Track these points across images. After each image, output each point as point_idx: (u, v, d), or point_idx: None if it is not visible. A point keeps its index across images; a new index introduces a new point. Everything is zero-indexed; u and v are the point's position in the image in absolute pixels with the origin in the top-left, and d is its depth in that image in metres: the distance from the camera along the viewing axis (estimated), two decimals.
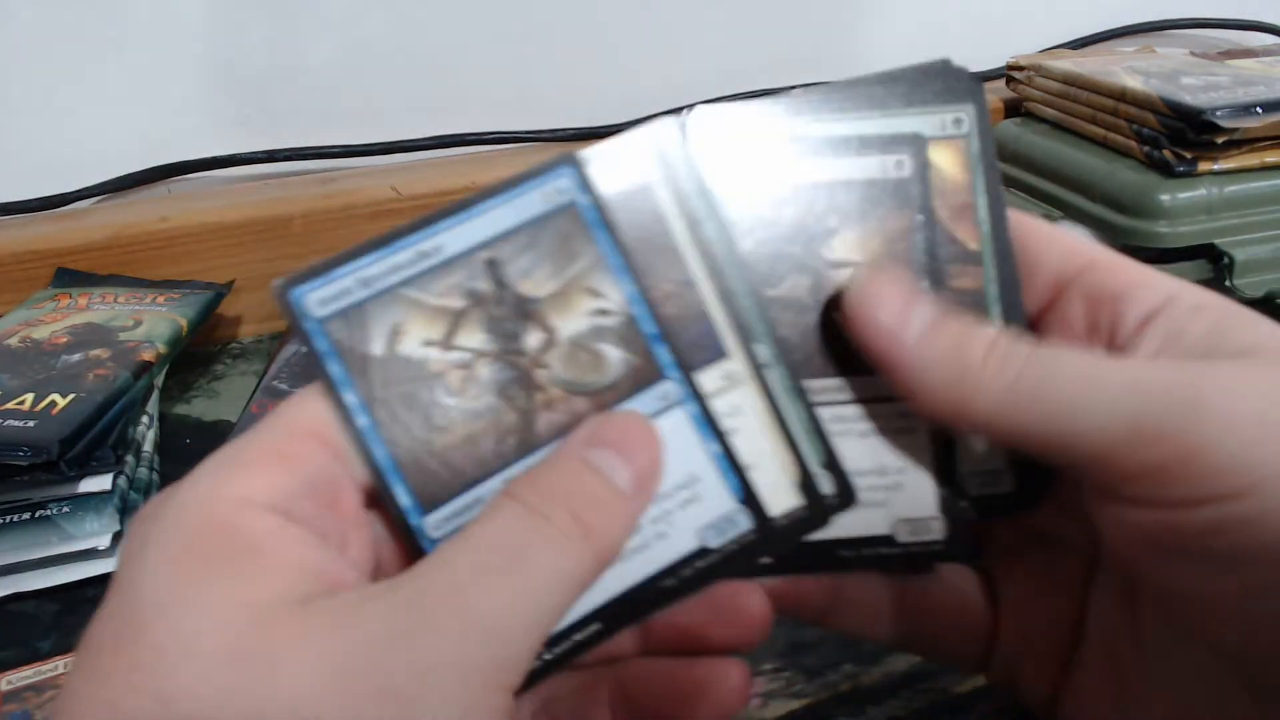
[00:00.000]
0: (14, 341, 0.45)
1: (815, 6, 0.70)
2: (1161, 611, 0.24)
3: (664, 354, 0.23)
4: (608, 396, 0.23)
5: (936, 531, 0.25)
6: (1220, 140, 0.48)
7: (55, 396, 0.39)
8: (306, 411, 0.21)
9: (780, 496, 0.24)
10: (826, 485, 0.24)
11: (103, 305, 0.50)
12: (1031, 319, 0.25)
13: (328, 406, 0.22)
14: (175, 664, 0.18)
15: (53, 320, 0.48)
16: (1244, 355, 0.21)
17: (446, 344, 0.22)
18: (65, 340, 0.45)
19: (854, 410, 0.25)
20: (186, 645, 0.18)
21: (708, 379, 0.24)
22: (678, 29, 0.69)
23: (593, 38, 0.68)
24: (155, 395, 0.46)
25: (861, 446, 0.25)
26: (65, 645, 0.35)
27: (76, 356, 0.44)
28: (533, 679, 0.21)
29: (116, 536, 0.39)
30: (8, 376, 0.41)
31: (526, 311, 0.23)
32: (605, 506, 0.21)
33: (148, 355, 0.45)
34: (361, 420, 0.22)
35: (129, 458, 0.41)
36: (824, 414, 0.25)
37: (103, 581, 0.39)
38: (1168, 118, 0.50)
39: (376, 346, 0.22)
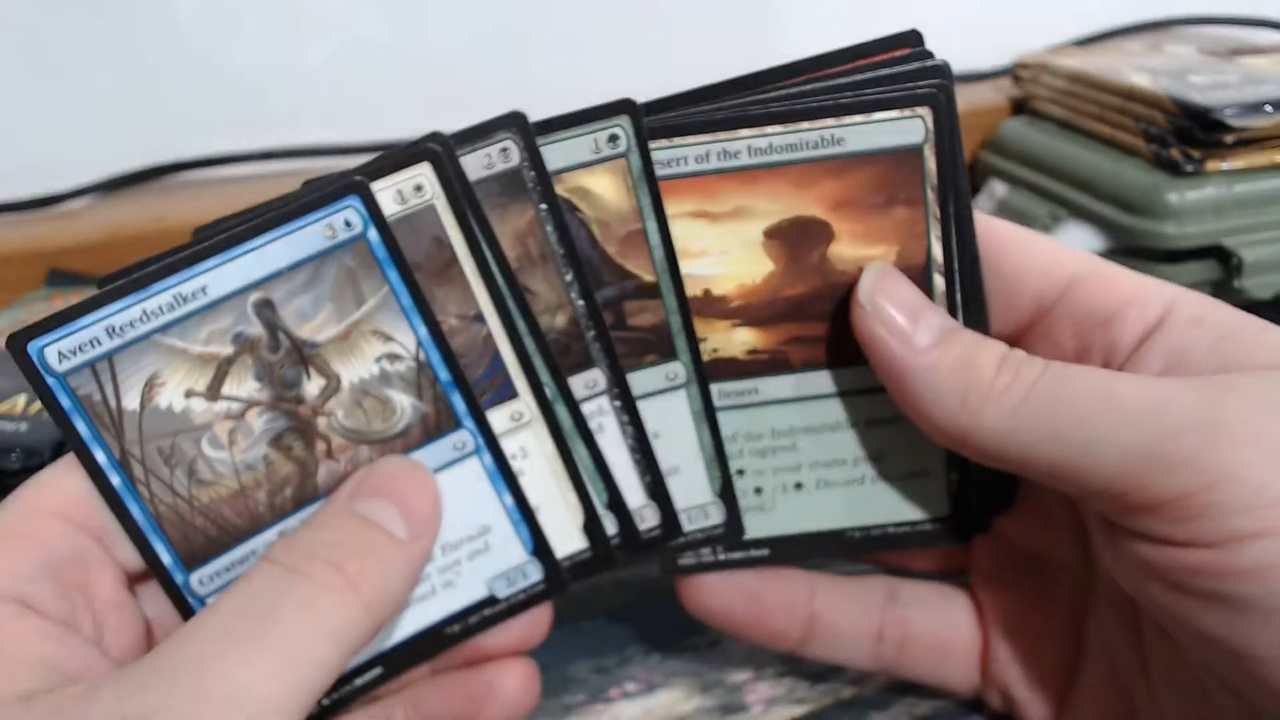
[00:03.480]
0: None
1: (819, 5, 0.69)
2: (1169, 643, 0.22)
3: (459, 401, 0.22)
4: (396, 444, 0.22)
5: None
6: (1229, 139, 0.48)
7: None
8: (52, 490, 0.20)
9: (566, 540, 0.24)
10: (611, 526, 0.24)
11: None
12: (1012, 342, 0.23)
13: (78, 482, 0.20)
14: None
15: None
16: (1261, 370, 0.19)
17: (213, 394, 0.21)
18: None
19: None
20: None
21: (496, 419, 0.23)
22: (678, 29, 0.69)
23: (593, 38, 0.68)
24: None
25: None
26: None
27: None
28: None
29: None
30: None
31: (305, 356, 0.21)
32: (376, 554, 0.20)
33: None
34: (115, 478, 0.20)
35: None
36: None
37: None
38: (1176, 116, 0.49)
39: (130, 400, 0.20)
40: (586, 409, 0.23)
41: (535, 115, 0.24)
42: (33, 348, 0.20)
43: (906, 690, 0.31)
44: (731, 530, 0.25)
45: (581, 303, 0.23)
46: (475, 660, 0.24)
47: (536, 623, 0.24)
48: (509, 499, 0.23)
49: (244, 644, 0.18)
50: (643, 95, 0.26)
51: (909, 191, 0.23)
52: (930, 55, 0.23)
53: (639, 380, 0.24)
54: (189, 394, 0.21)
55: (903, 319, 0.22)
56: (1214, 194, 0.48)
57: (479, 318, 0.22)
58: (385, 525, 0.20)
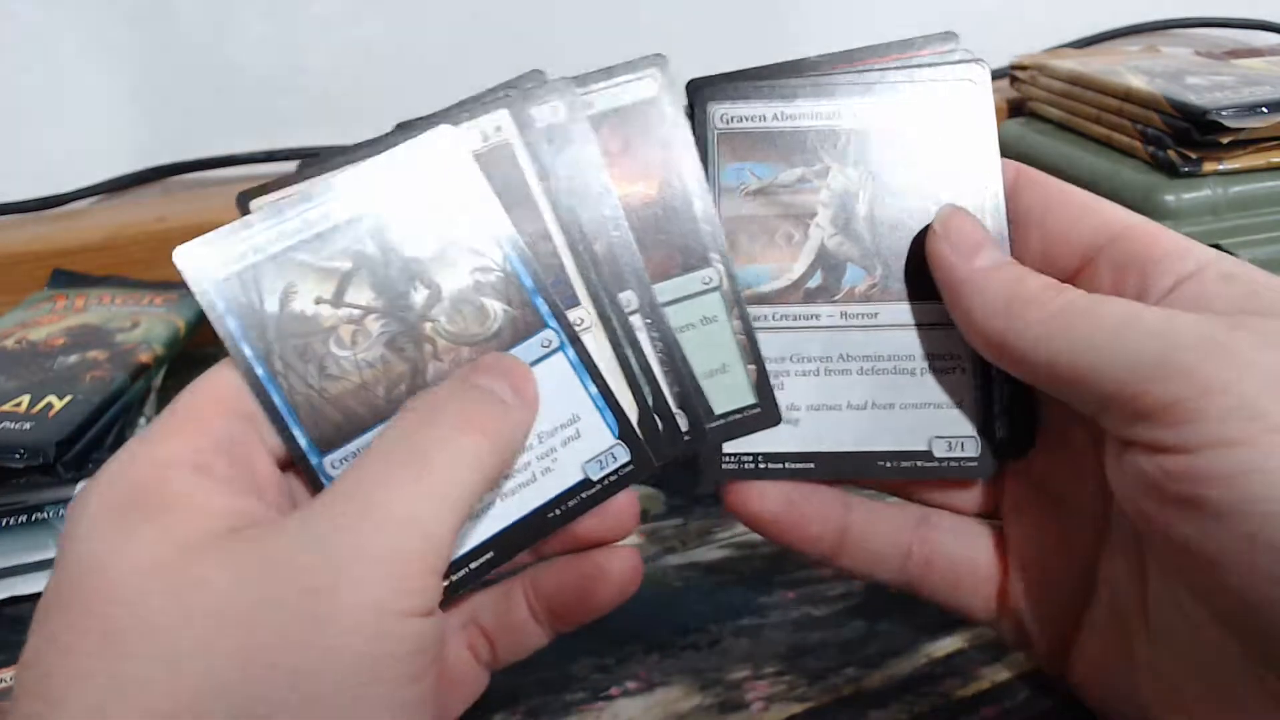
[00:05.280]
0: (10, 343, 0.45)
1: (818, 4, 0.70)
2: (1165, 569, 0.24)
3: (542, 305, 0.25)
4: (492, 345, 0.25)
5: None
6: (1225, 140, 0.48)
7: (52, 399, 0.39)
8: (210, 385, 0.24)
9: (629, 411, 0.27)
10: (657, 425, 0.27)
11: (100, 307, 0.50)
12: (1064, 283, 0.26)
13: (231, 378, 0.24)
14: (117, 607, 0.19)
15: (49, 322, 0.47)
16: (1274, 314, 0.22)
17: (337, 301, 0.24)
18: (62, 342, 0.45)
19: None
20: (124, 590, 0.20)
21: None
22: (678, 28, 0.69)
23: (593, 38, 0.68)
24: (153, 397, 0.45)
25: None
26: None
27: (73, 358, 0.43)
28: (443, 602, 0.23)
29: None
30: (4, 379, 0.41)
31: (412, 270, 0.24)
32: (494, 409, 0.23)
33: (145, 357, 0.44)
34: (259, 370, 0.24)
35: None
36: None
37: None
38: (1172, 118, 0.50)
39: (271, 304, 0.24)
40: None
41: None
42: (192, 261, 0.24)
43: (905, 688, 0.32)
44: (767, 414, 0.28)
45: (616, 233, 0.26)
46: (574, 545, 0.27)
47: (628, 514, 0.27)
48: (593, 388, 0.26)
49: (404, 476, 0.21)
50: None
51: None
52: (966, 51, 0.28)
53: (676, 286, 0.27)
54: (318, 301, 0.24)
55: (969, 243, 0.25)
56: (1210, 195, 0.48)
57: (546, 237, 0.26)
58: (498, 394, 0.23)
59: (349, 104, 0.65)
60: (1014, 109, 0.67)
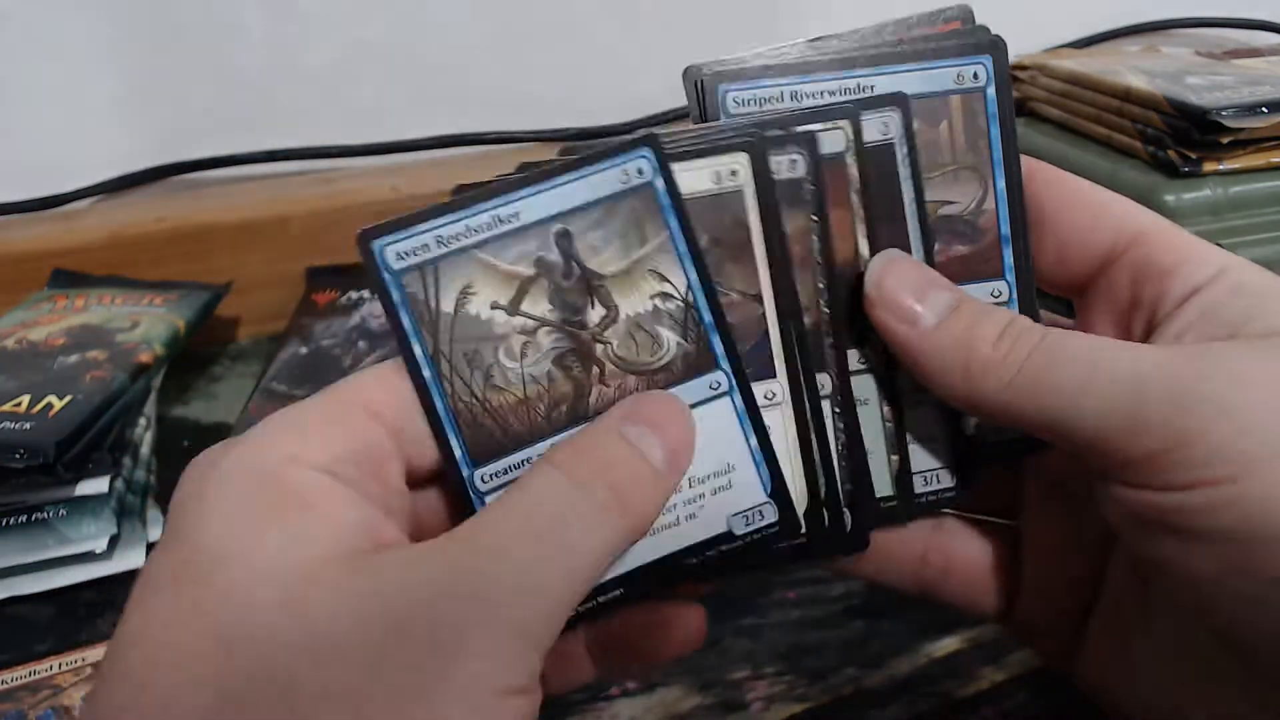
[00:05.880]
0: (10, 343, 0.45)
1: (817, 6, 0.70)
2: (1166, 593, 0.24)
3: (718, 344, 0.24)
4: (660, 378, 0.24)
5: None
6: (1225, 140, 0.48)
7: (52, 398, 0.39)
8: (364, 387, 0.23)
9: (799, 500, 0.25)
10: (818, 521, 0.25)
11: (100, 306, 0.50)
12: (1078, 287, 0.26)
13: (388, 384, 0.23)
14: (237, 612, 0.19)
15: (49, 322, 0.47)
16: (1264, 337, 0.22)
17: (513, 309, 0.23)
18: (62, 342, 0.45)
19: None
20: (247, 594, 0.19)
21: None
22: (678, 28, 0.69)
23: (593, 37, 0.68)
24: (153, 397, 0.45)
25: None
26: (62, 649, 0.35)
27: (73, 358, 0.43)
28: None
29: (113, 540, 0.39)
30: (4, 378, 0.41)
31: (592, 287, 0.23)
32: (640, 483, 0.22)
33: (145, 357, 0.44)
34: (426, 372, 0.23)
35: (126, 460, 0.41)
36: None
37: (100, 585, 0.38)
38: (1172, 117, 0.50)
39: (447, 303, 0.23)
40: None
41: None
42: (375, 245, 0.23)
43: (905, 688, 0.32)
44: (903, 508, 0.26)
45: (827, 311, 0.25)
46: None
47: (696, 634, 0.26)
48: (754, 440, 0.24)
49: (539, 544, 0.20)
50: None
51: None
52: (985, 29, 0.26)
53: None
54: (494, 306, 0.23)
55: (910, 301, 0.24)
56: (1210, 195, 0.48)
57: (758, 298, 0.24)
58: (647, 453, 0.22)
59: (349, 104, 0.65)
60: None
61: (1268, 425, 0.20)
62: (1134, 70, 0.56)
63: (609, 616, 0.25)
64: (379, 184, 0.60)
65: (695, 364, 0.24)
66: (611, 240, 0.23)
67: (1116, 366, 0.21)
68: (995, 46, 0.25)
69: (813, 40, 0.26)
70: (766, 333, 0.25)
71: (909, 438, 0.26)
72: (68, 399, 0.39)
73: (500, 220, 0.23)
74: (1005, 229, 0.26)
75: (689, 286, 0.24)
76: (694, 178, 0.24)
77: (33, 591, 0.38)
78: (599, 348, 0.23)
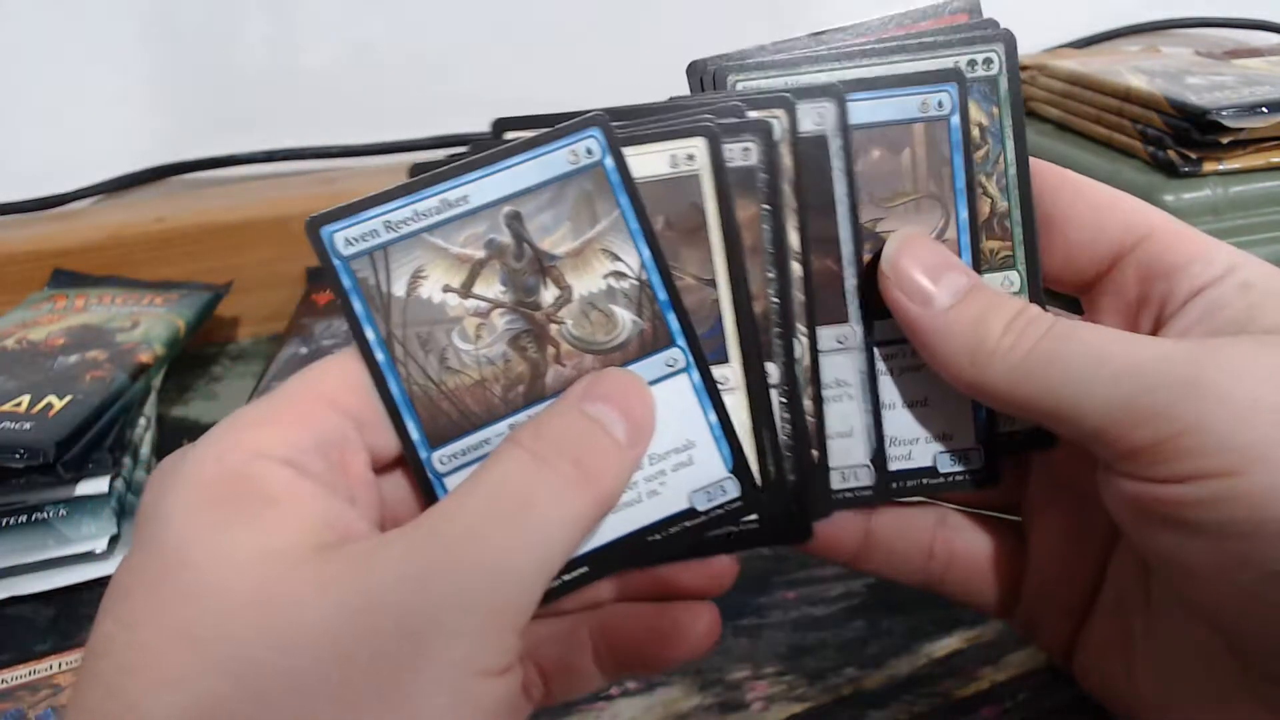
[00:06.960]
0: (10, 343, 0.45)
1: (817, 6, 0.70)
2: (1168, 587, 0.24)
3: (673, 321, 0.24)
4: (615, 357, 0.24)
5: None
6: (1226, 140, 0.48)
7: (52, 398, 0.39)
8: (325, 377, 0.23)
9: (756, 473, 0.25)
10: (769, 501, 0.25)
11: (100, 306, 0.50)
12: (1086, 286, 0.26)
13: (345, 373, 0.23)
14: (205, 610, 0.19)
15: (49, 322, 0.47)
16: (1267, 334, 0.22)
17: (465, 292, 0.23)
18: (62, 342, 0.45)
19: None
20: (214, 592, 0.19)
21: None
22: (678, 28, 0.69)
23: (593, 37, 0.68)
24: (153, 397, 0.45)
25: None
26: (62, 649, 0.35)
27: (73, 358, 0.43)
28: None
29: (113, 540, 0.39)
30: (4, 378, 0.41)
31: (544, 267, 0.23)
32: (605, 456, 0.22)
33: (145, 357, 0.44)
34: (380, 356, 0.23)
35: (126, 460, 0.41)
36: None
37: (100, 585, 0.38)
38: (1173, 118, 0.50)
39: (399, 288, 0.23)
40: None
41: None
42: (324, 231, 0.23)
43: (904, 688, 0.32)
44: (879, 493, 0.27)
45: (776, 301, 0.25)
46: (665, 594, 0.26)
47: (727, 569, 0.26)
48: (713, 416, 0.24)
49: (507, 524, 0.20)
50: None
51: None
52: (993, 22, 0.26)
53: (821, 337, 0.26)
54: (446, 289, 0.23)
55: (925, 281, 0.24)
56: (1210, 195, 0.48)
57: (711, 283, 0.24)
58: (609, 428, 0.22)
59: (349, 104, 0.65)
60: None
61: (1269, 420, 0.20)
62: (1134, 70, 0.56)
63: (604, 611, 0.25)
64: (379, 184, 0.60)
65: (651, 341, 0.24)
66: (562, 221, 0.23)
67: (1122, 356, 0.21)
68: (1004, 39, 0.25)
69: (816, 34, 0.26)
70: (719, 318, 0.25)
71: (888, 419, 0.26)
72: (68, 399, 0.39)
73: (449, 204, 0.23)
74: (965, 258, 0.25)
75: (642, 264, 0.24)
76: (650, 161, 0.24)
77: (33, 591, 0.38)
78: (554, 328, 0.24)
